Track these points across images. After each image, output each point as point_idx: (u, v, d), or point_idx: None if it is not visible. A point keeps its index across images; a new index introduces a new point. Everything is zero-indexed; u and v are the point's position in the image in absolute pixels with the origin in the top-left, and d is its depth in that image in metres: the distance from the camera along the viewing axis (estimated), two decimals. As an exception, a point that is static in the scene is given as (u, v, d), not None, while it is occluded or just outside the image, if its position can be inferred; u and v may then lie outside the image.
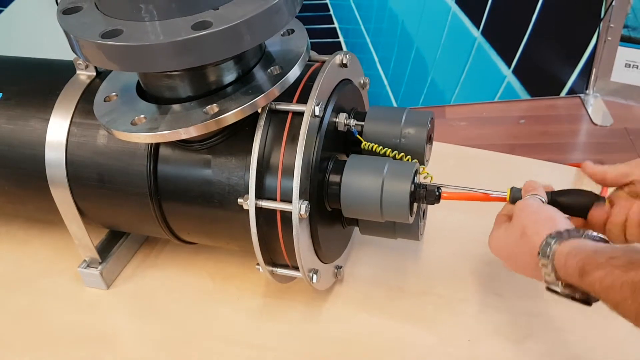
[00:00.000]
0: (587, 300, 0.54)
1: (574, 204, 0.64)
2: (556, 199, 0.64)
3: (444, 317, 0.74)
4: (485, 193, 0.67)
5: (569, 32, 2.04)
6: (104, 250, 0.81)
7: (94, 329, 0.77)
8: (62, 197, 0.73)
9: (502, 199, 0.66)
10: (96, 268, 0.80)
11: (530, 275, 0.60)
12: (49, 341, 0.76)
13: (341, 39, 2.11)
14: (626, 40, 2.02)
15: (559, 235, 0.55)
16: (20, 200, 0.80)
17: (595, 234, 0.55)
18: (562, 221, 0.58)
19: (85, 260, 0.80)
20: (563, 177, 0.95)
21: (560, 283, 0.54)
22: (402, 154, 0.68)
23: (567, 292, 0.54)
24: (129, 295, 0.81)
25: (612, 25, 2.00)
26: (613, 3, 1.94)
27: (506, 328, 0.72)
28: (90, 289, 0.81)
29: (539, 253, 0.55)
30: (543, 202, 0.62)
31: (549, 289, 0.56)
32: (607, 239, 0.56)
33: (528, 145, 2.00)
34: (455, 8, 2.00)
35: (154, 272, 0.84)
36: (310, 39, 0.70)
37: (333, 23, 2.08)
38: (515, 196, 0.65)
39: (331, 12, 2.06)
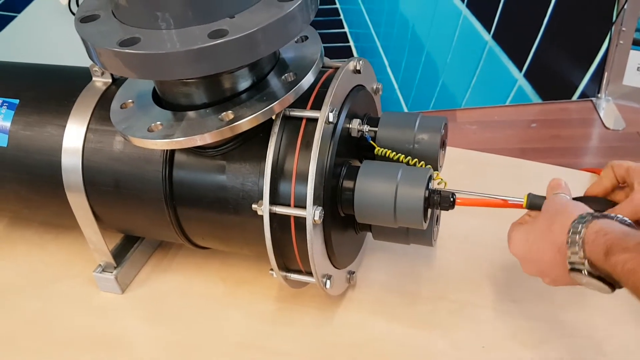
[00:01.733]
0: (611, 283, 0.53)
1: None
2: None
3: (457, 323, 0.74)
4: (503, 199, 0.67)
5: (581, 35, 2.03)
6: (119, 255, 0.82)
7: (108, 333, 0.78)
8: (78, 202, 0.74)
9: (519, 206, 0.66)
10: (111, 272, 0.81)
11: (546, 271, 0.60)
12: (63, 345, 0.76)
13: (351, 43, 2.11)
14: (638, 44, 2.01)
15: (591, 216, 0.55)
16: (37, 205, 0.81)
17: (626, 219, 0.55)
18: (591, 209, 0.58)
19: (100, 265, 0.81)
20: (575, 182, 0.94)
21: (586, 261, 0.53)
22: (416, 160, 0.68)
23: (592, 271, 0.54)
24: (143, 299, 0.82)
25: (624, 28, 1.99)
26: (625, 6, 1.93)
27: (521, 334, 0.72)
28: (104, 293, 0.82)
29: (569, 231, 0.55)
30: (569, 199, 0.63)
31: (573, 269, 0.55)
32: (635, 226, 0.56)
33: (539, 149, 1.99)
34: (466, 12, 2.00)
35: (168, 277, 0.84)
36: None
37: (343, 27, 2.08)
38: (532, 202, 0.65)
39: (342, 16, 2.06)
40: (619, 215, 0.56)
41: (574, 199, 0.65)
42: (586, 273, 0.54)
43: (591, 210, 0.57)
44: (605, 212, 0.57)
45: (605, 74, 2.09)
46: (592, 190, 0.67)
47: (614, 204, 0.63)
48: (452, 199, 0.66)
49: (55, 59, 0.94)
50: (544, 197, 0.66)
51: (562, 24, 1.99)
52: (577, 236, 0.54)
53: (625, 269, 0.49)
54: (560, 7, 1.96)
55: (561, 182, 0.65)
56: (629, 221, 0.56)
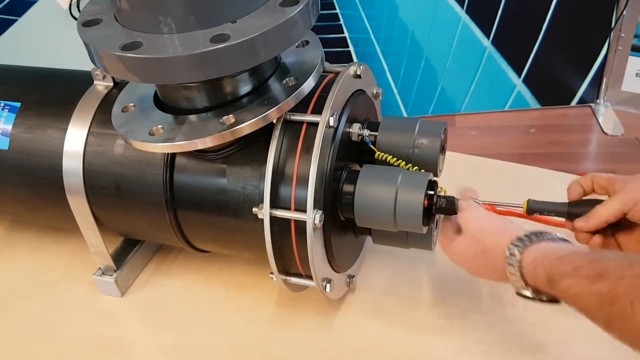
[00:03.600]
0: (554, 301, 0.55)
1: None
2: (572, 210, 0.65)
3: (457, 328, 0.74)
4: (508, 209, 0.67)
5: (580, 41, 2.04)
6: (119, 258, 0.82)
7: (109, 336, 0.78)
8: (79, 206, 0.74)
9: (521, 215, 0.66)
10: (111, 276, 0.81)
11: (499, 281, 0.60)
12: (63, 349, 0.76)
13: (351, 48, 2.12)
14: (637, 50, 2.02)
15: (521, 242, 0.56)
16: (38, 208, 0.82)
17: (555, 235, 0.57)
18: (514, 226, 0.60)
19: (100, 268, 0.81)
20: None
21: (530, 290, 0.55)
22: (416, 167, 0.69)
23: (537, 297, 0.55)
24: (143, 303, 0.82)
25: (622, 35, 2.00)
26: (624, 13, 1.94)
27: (521, 339, 0.72)
28: (105, 297, 0.82)
29: (505, 264, 0.56)
30: (479, 204, 0.65)
31: (518, 294, 0.57)
32: (566, 238, 0.57)
33: (538, 155, 2.00)
34: (466, 17, 2.00)
35: (168, 280, 0.84)
36: (321, 47, 0.71)
37: (343, 33, 2.09)
38: (532, 208, 0.66)
39: (341, 21, 2.07)
40: (546, 233, 0.57)
41: (576, 201, 0.65)
42: (531, 297, 0.55)
43: (517, 233, 0.57)
44: (531, 232, 0.57)
45: (604, 79, 2.09)
46: (572, 197, 0.67)
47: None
48: (456, 205, 0.66)
49: (56, 62, 0.94)
50: (545, 202, 0.66)
51: (561, 29, 2.00)
52: (514, 269, 0.55)
53: (571, 294, 0.50)
54: (559, 13, 1.96)
55: (467, 188, 0.67)
56: (558, 236, 0.57)
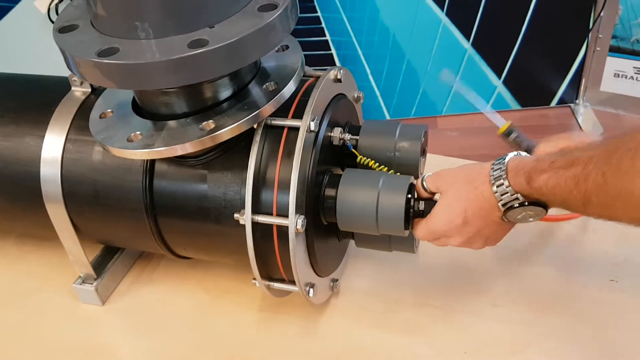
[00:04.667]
0: (542, 205, 0.58)
1: None
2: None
3: (440, 329, 0.74)
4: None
5: (559, 42, 2.06)
6: (99, 266, 0.81)
7: (90, 345, 0.76)
8: (58, 213, 0.73)
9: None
10: (91, 284, 0.80)
11: (477, 232, 0.62)
12: (45, 358, 0.75)
13: (333, 51, 2.12)
14: (615, 51, 2.05)
15: (501, 159, 0.60)
16: (15, 217, 0.80)
17: (522, 153, 0.63)
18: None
19: (80, 276, 0.80)
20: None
21: (518, 194, 0.58)
22: (398, 173, 0.69)
23: (526, 201, 0.58)
24: (125, 311, 0.81)
25: (600, 35, 2.02)
26: (602, 14, 1.97)
27: (503, 339, 0.73)
28: (86, 305, 0.81)
29: (491, 175, 0.59)
30: None
31: (507, 208, 0.59)
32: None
33: (520, 155, 2.02)
34: (446, 20, 2.02)
35: (150, 288, 0.83)
36: (302, 51, 0.71)
37: (325, 36, 2.09)
38: (509, 130, 0.75)
39: (323, 24, 2.07)
40: (522, 153, 0.63)
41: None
42: (520, 203, 0.58)
43: (486, 165, 0.61)
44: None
45: (583, 80, 2.12)
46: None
47: None
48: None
49: (35, 66, 0.93)
50: (522, 135, 0.73)
51: (540, 31, 2.02)
52: (500, 171, 0.59)
53: (549, 187, 0.54)
54: (538, 15, 1.99)
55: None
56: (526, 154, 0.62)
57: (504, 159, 0.60)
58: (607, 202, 0.50)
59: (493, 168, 0.60)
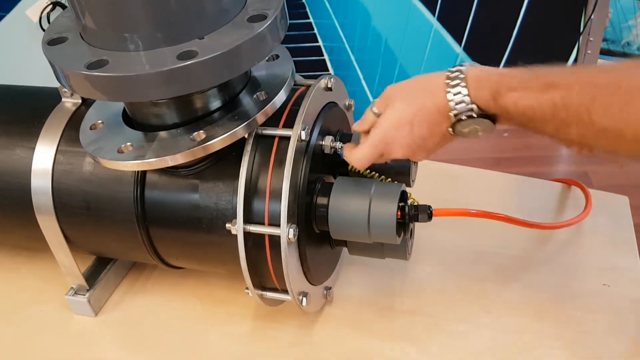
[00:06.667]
0: (491, 117, 0.55)
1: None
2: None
3: (433, 337, 0.74)
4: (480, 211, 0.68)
5: (550, 46, 2.08)
6: (92, 277, 0.81)
7: (83, 357, 0.76)
8: (49, 225, 0.73)
9: (501, 217, 0.67)
10: (84, 295, 0.79)
11: (422, 140, 0.59)
12: (36, 371, 0.75)
13: (326, 56, 2.12)
14: (605, 53, 2.07)
15: (459, 66, 0.56)
16: (7, 229, 0.80)
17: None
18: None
19: (72, 288, 0.80)
20: (546, 193, 0.96)
21: (474, 106, 0.55)
22: (389, 179, 0.69)
23: (481, 114, 0.55)
24: (118, 322, 0.80)
25: (591, 38, 2.04)
26: (592, 17, 1.98)
27: (495, 347, 0.73)
28: (79, 317, 0.81)
29: (447, 84, 0.55)
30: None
31: (458, 120, 0.56)
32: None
33: (513, 158, 2.02)
34: (438, 25, 2.03)
35: (143, 298, 0.83)
36: (295, 57, 0.71)
37: (318, 42, 2.09)
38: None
39: (315, 30, 2.08)
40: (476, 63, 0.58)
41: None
42: (470, 115, 0.55)
43: (443, 72, 0.57)
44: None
45: (575, 83, 2.13)
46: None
47: None
48: (429, 211, 0.66)
49: (27, 76, 0.92)
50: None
51: (531, 35, 2.03)
52: (458, 79, 0.55)
53: (518, 108, 0.51)
54: (528, 18, 2.00)
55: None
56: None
57: (461, 68, 0.56)
58: (587, 134, 0.47)
59: (449, 76, 0.56)
